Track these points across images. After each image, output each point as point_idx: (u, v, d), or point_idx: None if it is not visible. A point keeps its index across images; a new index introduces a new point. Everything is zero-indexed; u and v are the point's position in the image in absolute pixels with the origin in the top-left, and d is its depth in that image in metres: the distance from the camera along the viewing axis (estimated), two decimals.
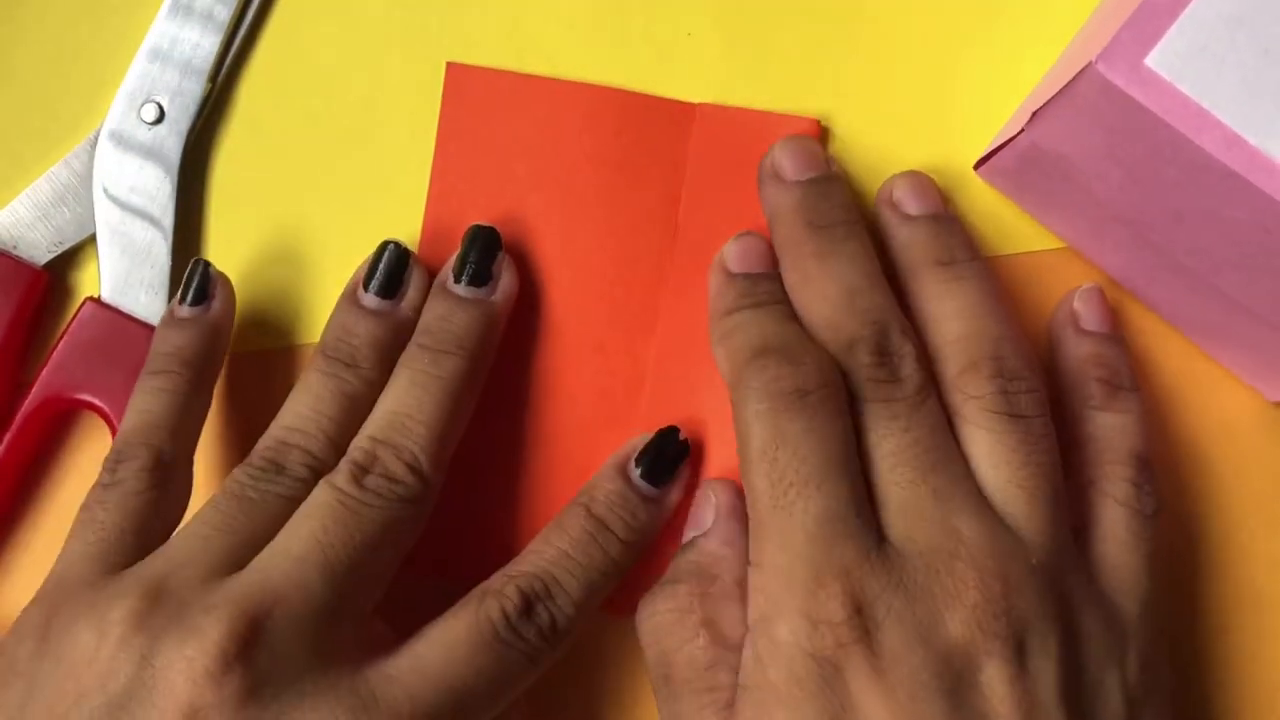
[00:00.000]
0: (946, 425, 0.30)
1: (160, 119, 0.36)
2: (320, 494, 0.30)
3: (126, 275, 0.36)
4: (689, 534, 0.33)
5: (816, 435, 0.29)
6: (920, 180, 0.34)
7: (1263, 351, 0.33)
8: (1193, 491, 0.35)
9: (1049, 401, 0.31)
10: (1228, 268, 0.30)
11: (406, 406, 0.31)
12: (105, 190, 0.36)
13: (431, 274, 0.34)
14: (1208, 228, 0.29)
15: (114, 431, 0.34)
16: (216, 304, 0.34)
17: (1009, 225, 0.35)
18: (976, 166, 0.35)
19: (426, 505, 0.31)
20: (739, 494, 0.32)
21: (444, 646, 0.29)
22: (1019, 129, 0.31)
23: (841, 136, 0.36)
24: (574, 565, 0.31)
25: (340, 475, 0.30)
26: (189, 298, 0.34)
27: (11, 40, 0.37)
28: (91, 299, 0.35)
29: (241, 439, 0.36)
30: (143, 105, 0.36)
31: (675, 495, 0.33)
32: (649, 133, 0.35)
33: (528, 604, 0.30)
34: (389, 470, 0.30)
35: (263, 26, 0.37)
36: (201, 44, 0.36)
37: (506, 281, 0.34)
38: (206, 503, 0.31)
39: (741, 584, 0.31)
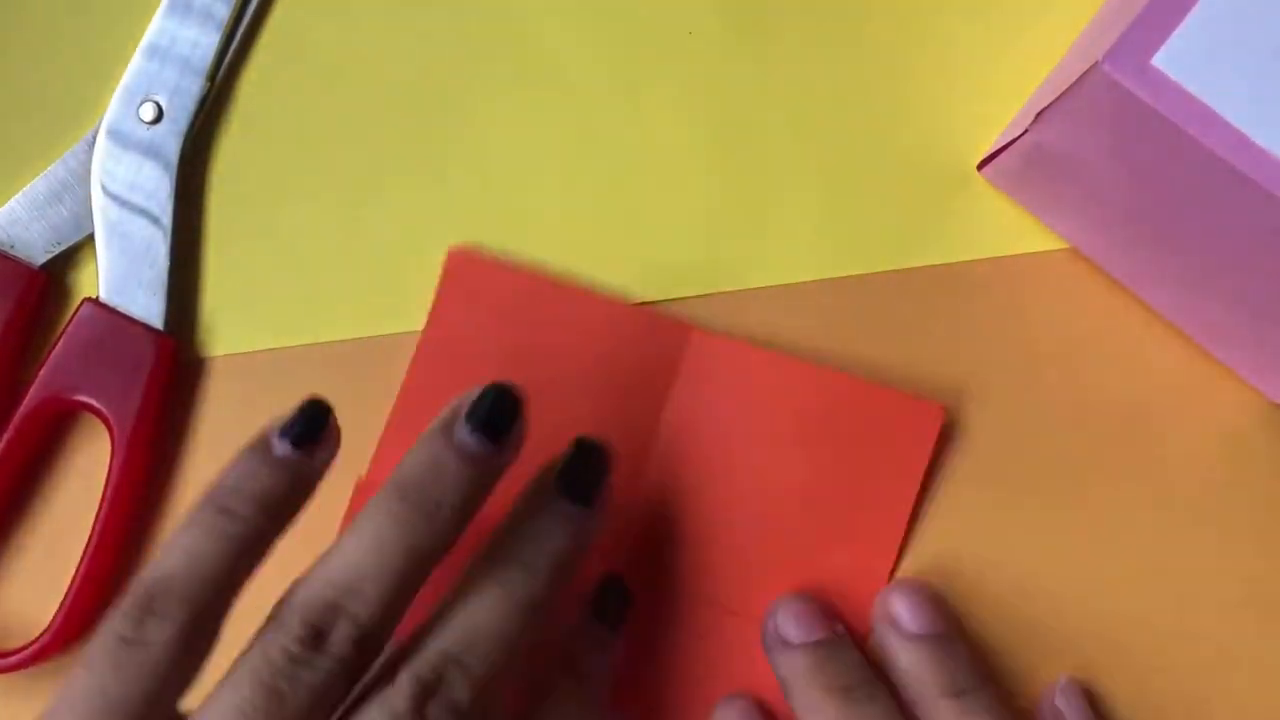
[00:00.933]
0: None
1: (159, 117, 0.36)
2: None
3: (125, 275, 0.35)
4: None
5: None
6: (917, 594, 0.33)
7: (1266, 351, 0.33)
8: (1193, 491, 0.35)
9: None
10: (1233, 268, 0.30)
11: (481, 621, 0.28)
12: (103, 189, 0.35)
13: None
14: (1213, 227, 0.29)
15: (112, 433, 0.34)
16: (322, 455, 0.29)
17: (1012, 225, 0.35)
18: (980, 166, 0.35)
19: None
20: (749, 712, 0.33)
21: None
22: (1023, 129, 0.31)
23: (843, 135, 0.36)
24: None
25: (399, 695, 0.26)
26: (295, 434, 0.29)
27: (9, 38, 0.37)
28: (89, 299, 0.35)
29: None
30: (141, 103, 0.36)
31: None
32: (642, 350, 0.34)
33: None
34: (455, 699, 0.27)
35: (262, 24, 0.37)
36: (200, 42, 0.36)
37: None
38: (226, 682, 0.26)
39: None
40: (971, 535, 0.35)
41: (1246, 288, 0.30)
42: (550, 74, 0.36)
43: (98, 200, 0.35)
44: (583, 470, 0.30)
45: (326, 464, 0.29)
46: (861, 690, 0.32)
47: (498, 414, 0.29)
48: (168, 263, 0.35)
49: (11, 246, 0.36)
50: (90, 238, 0.36)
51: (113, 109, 0.36)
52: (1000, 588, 0.34)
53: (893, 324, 0.35)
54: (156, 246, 0.35)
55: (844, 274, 0.35)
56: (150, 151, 0.36)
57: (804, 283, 0.35)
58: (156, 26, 0.36)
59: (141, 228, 0.35)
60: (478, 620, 0.28)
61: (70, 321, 0.35)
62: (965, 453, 0.35)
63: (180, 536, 0.27)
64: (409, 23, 0.36)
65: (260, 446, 0.29)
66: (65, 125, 0.36)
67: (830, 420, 0.34)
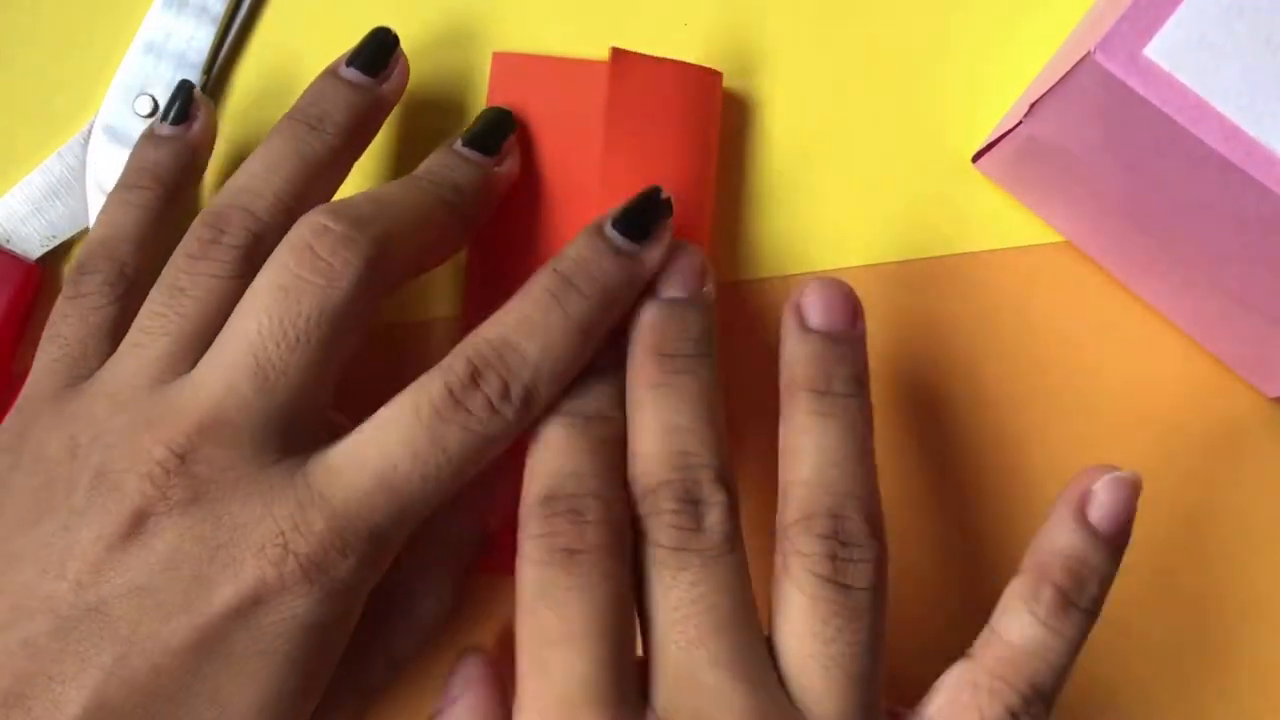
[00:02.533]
0: (747, 585, 0.28)
1: (154, 112, 0.36)
2: (262, 276, 0.29)
3: None
4: (436, 709, 0.32)
5: (584, 595, 0.27)
6: (834, 291, 0.30)
7: (1261, 345, 0.33)
8: (1193, 490, 0.35)
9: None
10: (1226, 260, 0.30)
11: (389, 199, 0.30)
12: (99, 184, 0.36)
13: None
14: (1206, 219, 0.29)
15: None
16: (197, 126, 0.34)
17: (1007, 218, 0.35)
18: (975, 159, 0.35)
19: (376, 288, 0.29)
20: (489, 665, 0.32)
21: (383, 431, 0.28)
22: (1017, 121, 0.31)
23: (842, 131, 0.36)
24: (532, 327, 0.29)
25: (284, 249, 0.29)
26: (171, 116, 0.34)
27: (5, 33, 0.37)
28: None
29: None
30: (137, 98, 0.36)
31: (654, 255, 0.30)
32: (678, 95, 0.35)
33: (474, 373, 0.28)
34: (346, 236, 0.28)
35: (257, 19, 0.37)
36: (196, 37, 0.36)
37: (511, 162, 0.34)
38: (147, 300, 0.30)
39: None
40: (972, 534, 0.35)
41: (1239, 280, 0.30)
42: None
43: (94, 195, 0.36)
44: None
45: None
46: (685, 361, 0.30)
47: (374, 52, 0.33)
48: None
49: (8, 240, 0.36)
50: (86, 232, 0.36)
51: (109, 104, 0.36)
52: (994, 585, 0.34)
53: (887, 317, 0.35)
54: None
55: (838, 266, 0.35)
56: None
57: (798, 275, 0.35)
58: (152, 22, 0.36)
59: None
60: (386, 195, 0.30)
61: None
62: (956, 444, 0.35)
63: (259, 152, 0.31)
64: (402, 15, 0.36)
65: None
66: (61, 120, 0.36)
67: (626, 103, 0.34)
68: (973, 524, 0.35)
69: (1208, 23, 0.27)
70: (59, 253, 0.36)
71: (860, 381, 0.30)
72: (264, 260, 0.29)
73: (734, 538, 0.28)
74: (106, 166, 0.36)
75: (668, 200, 0.31)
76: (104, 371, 0.30)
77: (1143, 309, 0.35)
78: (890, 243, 0.35)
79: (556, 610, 0.27)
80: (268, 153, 0.31)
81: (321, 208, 0.29)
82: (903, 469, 0.35)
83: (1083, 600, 0.28)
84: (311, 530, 0.27)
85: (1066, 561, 0.29)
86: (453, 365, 0.28)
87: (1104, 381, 0.35)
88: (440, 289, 0.36)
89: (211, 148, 0.34)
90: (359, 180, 0.36)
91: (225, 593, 0.27)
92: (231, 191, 0.31)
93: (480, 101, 0.36)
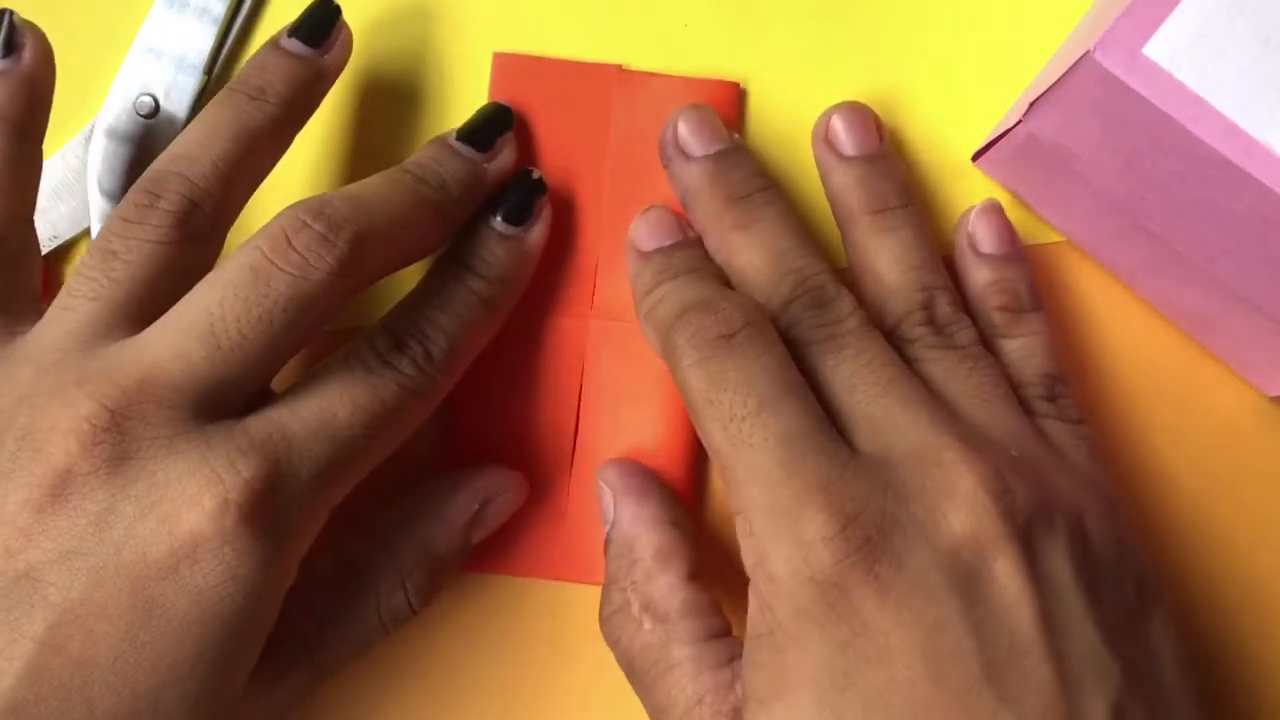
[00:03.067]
0: (895, 353, 0.30)
1: (155, 112, 0.36)
2: (233, 257, 0.29)
3: None
4: (605, 526, 0.33)
5: (755, 367, 0.28)
6: (856, 115, 0.34)
7: (1260, 344, 0.33)
8: (1193, 489, 0.35)
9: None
10: (1225, 258, 0.30)
11: (367, 197, 0.30)
12: (100, 184, 0.36)
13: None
14: (1205, 218, 0.29)
15: None
16: (28, 54, 0.32)
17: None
18: (975, 158, 0.35)
19: (348, 286, 0.29)
20: (625, 468, 0.33)
21: (320, 383, 0.29)
22: (1017, 119, 0.31)
23: None
24: (440, 303, 0.31)
25: (260, 236, 0.29)
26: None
27: None
28: None
29: None
30: (138, 99, 0.36)
31: (537, 234, 0.34)
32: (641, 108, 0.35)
33: (397, 339, 0.30)
34: (322, 235, 0.29)
35: (258, 20, 0.37)
36: (197, 38, 0.36)
37: (504, 158, 0.34)
38: (76, 264, 0.29)
39: (660, 554, 0.31)
40: None
41: (1238, 278, 0.30)
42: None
43: (94, 197, 0.36)
44: (483, 123, 0.34)
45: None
46: (760, 196, 0.33)
47: (316, 23, 0.33)
48: None
49: None
50: (87, 233, 0.36)
51: (110, 105, 0.36)
52: None
53: None
54: None
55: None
56: (146, 147, 0.36)
57: None
58: (153, 23, 0.36)
59: None
60: (365, 192, 0.30)
61: None
62: None
63: (198, 120, 0.31)
64: (401, 16, 0.36)
65: (270, 44, 0.33)
66: (63, 121, 0.36)
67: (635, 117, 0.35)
68: None
69: (1206, 22, 0.27)
70: (61, 253, 0.36)
71: (906, 188, 0.33)
72: (201, 229, 0.30)
73: (868, 320, 0.31)
74: (108, 168, 0.36)
75: (539, 180, 0.34)
76: (30, 336, 0.29)
77: (1143, 308, 0.35)
78: None
79: (736, 390, 0.28)
80: (206, 121, 0.31)
81: (300, 204, 0.29)
82: None
83: (1024, 304, 0.33)
84: (252, 473, 0.27)
85: (991, 288, 0.33)
86: (374, 332, 0.30)
87: (1103, 381, 0.35)
88: None
89: (52, 78, 0.32)
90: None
91: (161, 551, 0.26)
92: (169, 158, 0.30)
93: (481, 101, 0.36)
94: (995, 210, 0.34)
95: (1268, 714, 0.34)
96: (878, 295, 0.32)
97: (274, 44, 0.33)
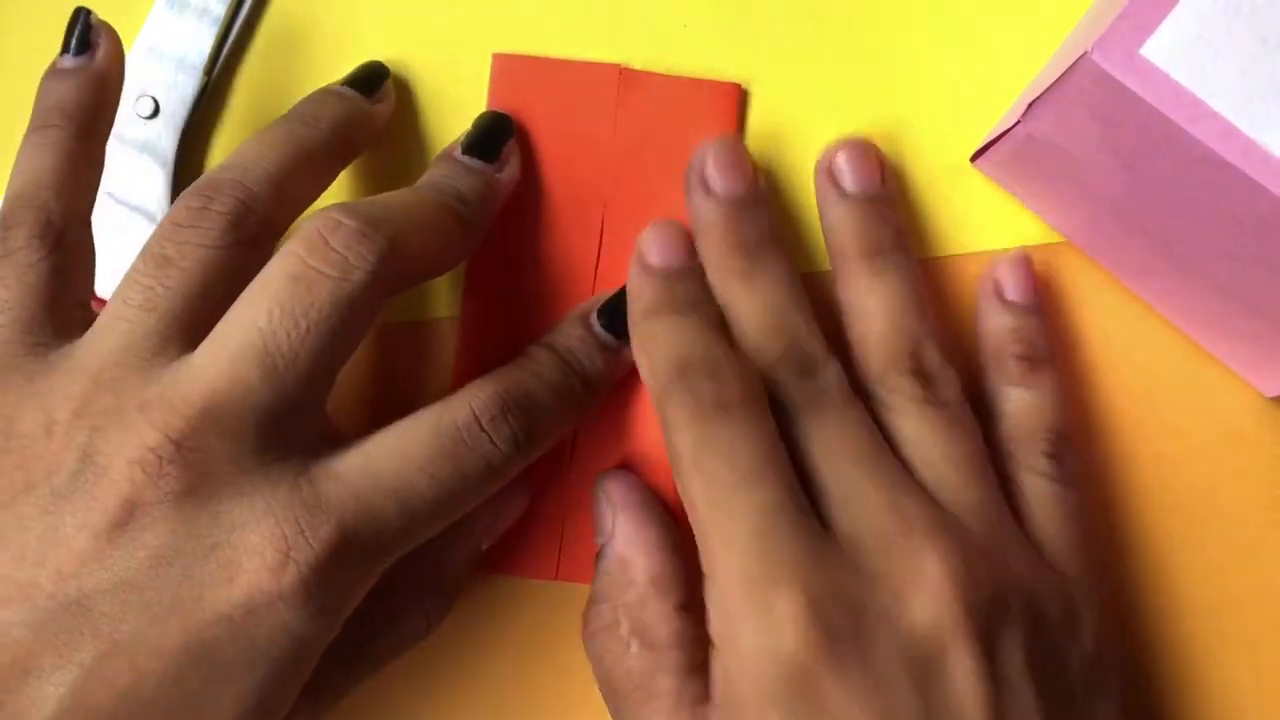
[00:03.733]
0: (874, 424, 0.31)
1: (155, 114, 0.36)
2: (272, 266, 0.28)
3: (121, 271, 0.35)
4: (598, 542, 0.33)
5: (745, 438, 0.28)
6: (860, 152, 0.34)
7: (1259, 345, 0.33)
8: (1193, 490, 0.35)
9: (977, 369, 0.33)
10: (1223, 259, 0.30)
11: (399, 202, 0.30)
12: (101, 186, 0.36)
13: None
14: (1203, 218, 0.29)
15: None
16: (101, 53, 0.32)
17: (1005, 218, 0.35)
18: (973, 158, 0.35)
19: (387, 287, 0.29)
20: (626, 483, 0.33)
21: (400, 448, 0.28)
22: (1015, 120, 0.31)
23: (840, 131, 0.36)
24: (548, 382, 0.31)
25: (296, 240, 0.28)
26: (71, 48, 0.32)
27: (5, 34, 0.37)
28: None
29: None
30: (137, 100, 0.36)
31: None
32: (689, 112, 0.35)
33: (503, 407, 0.29)
34: (360, 231, 0.28)
35: (258, 21, 0.37)
36: (197, 38, 0.36)
37: (512, 167, 0.34)
38: (129, 269, 0.29)
39: (656, 580, 0.31)
40: None
41: (1237, 279, 0.30)
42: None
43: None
44: (486, 133, 0.34)
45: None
46: (768, 251, 0.32)
47: (367, 77, 0.34)
48: None
49: None
50: None
51: None
52: None
53: None
54: None
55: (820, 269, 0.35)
56: (146, 148, 0.36)
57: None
58: (154, 23, 0.36)
59: (137, 224, 0.36)
60: (395, 198, 0.30)
61: None
62: None
63: (252, 138, 0.31)
64: (402, 16, 0.36)
65: (322, 89, 0.34)
66: None
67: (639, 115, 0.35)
68: None
69: (1204, 22, 0.27)
70: None
71: (901, 233, 0.33)
72: (253, 233, 0.29)
73: (853, 390, 0.31)
74: (107, 168, 0.36)
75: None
76: (82, 346, 0.28)
77: (1142, 309, 0.35)
78: None
79: (724, 458, 0.28)
80: (260, 138, 0.31)
81: (334, 205, 0.29)
82: None
83: (1040, 355, 0.33)
84: (318, 538, 0.26)
85: (1011, 336, 0.33)
86: (476, 394, 0.29)
87: (1103, 381, 0.35)
88: (440, 289, 0.36)
89: (121, 78, 0.32)
90: (361, 184, 0.36)
91: (218, 596, 0.26)
92: (222, 167, 0.30)
93: (481, 102, 0.36)
94: (1026, 261, 0.34)
95: (1269, 714, 0.34)
96: (864, 338, 0.32)
97: (327, 89, 0.34)
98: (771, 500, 0.28)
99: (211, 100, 0.36)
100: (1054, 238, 0.35)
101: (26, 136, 0.31)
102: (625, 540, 0.32)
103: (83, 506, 0.26)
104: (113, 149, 0.36)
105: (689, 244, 0.33)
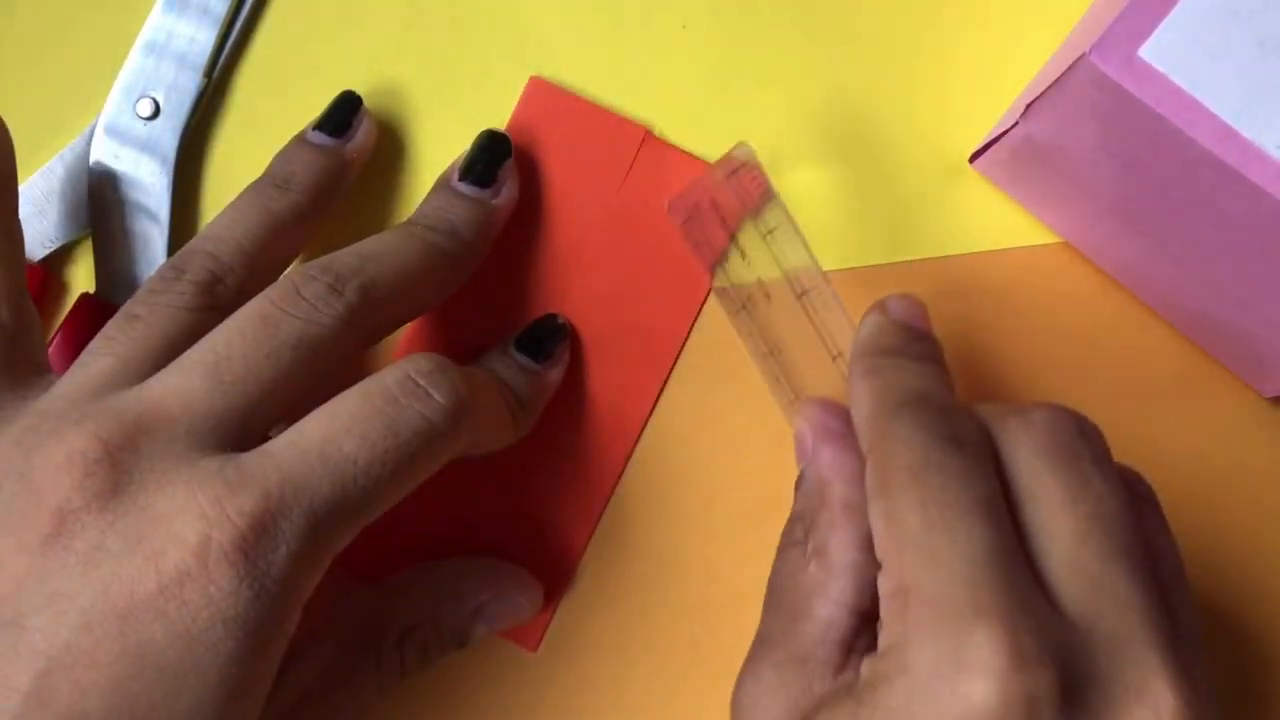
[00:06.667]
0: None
1: (156, 113, 0.36)
2: (245, 308, 0.28)
3: (122, 271, 0.36)
4: (800, 463, 0.32)
5: (976, 474, 0.26)
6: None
7: (1257, 346, 0.33)
8: (1193, 490, 0.35)
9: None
10: (1222, 259, 0.30)
11: (376, 251, 0.30)
12: (100, 185, 0.36)
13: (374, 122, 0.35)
14: (1201, 220, 0.29)
15: None
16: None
17: (1004, 219, 0.35)
18: (972, 159, 0.35)
19: (357, 337, 0.29)
20: (827, 410, 0.31)
21: (328, 413, 0.27)
22: (1014, 121, 0.31)
23: (839, 132, 0.36)
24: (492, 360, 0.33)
25: (270, 290, 0.29)
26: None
27: (6, 34, 0.37)
28: (87, 295, 0.35)
29: None
30: (138, 100, 0.36)
31: (555, 374, 0.34)
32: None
33: (440, 363, 0.28)
34: (330, 285, 0.29)
35: (259, 20, 0.37)
36: (198, 38, 0.36)
37: (510, 190, 0.34)
38: (100, 331, 0.29)
39: (848, 508, 0.29)
40: None
41: (1234, 280, 0.30)
42: (548, 73, 0.36)
43: (94, 197, 0.36)
44: (483, 157, 0.34)
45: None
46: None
47: (339, 115, 0.34)
48: (165, 258, 0.36)
49: None
50: (88, 233, 0.36)
51: (110, 105, 0.36)
52: None
53: None
54: (154, 242, 0.36)
55: (835, 268, 0.35)
56: (147, 148, 0.36)
57: None
58: (154, 22, 0.36)
59: (138, 224, 0.36)
60: (375, 246, 0.30)
61: (68, 317, 0.35)
62: None
63: (227, 209, 0.32)
64: (404, 16, 0.36)
65: (297, 138, 0.34)
66: (63, 121, 0.36)
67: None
68: None
69: (1202, 24, 0.27)
70: (61, 254, 0.36)
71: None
72: (223, 301, 0.29)
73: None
74: (108, 168, 0.36)
75: (563, 325, 0.35)
76: (44, 395, 0.28)
77: (1140, 309, 0.35)
78: (887, 243, 0.35)
79: (954, 480, 0.26)
80: (234, 209, 0.32)
81: (308, 263, 0.29)
82: None
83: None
84: (240, 512, 0.25)
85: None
86: (415, 356, 0.28)
87: (1102, 382, 0.35)
88: None
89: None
90: (368, 186, 0.36)
91: (148, 591, 0.24)
92: (196, 240, 0.31)
93: (481, 105, 0.36)
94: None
95: (1270, 713, 0.34)
96: None
97: (299, 138, 0.34)
98: (998, 541, 0.25)
99: (212, 100, 0.37)
100: (1052, 238, 0.35)
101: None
102: (826, 463, 0.30)
103: (17, 525, 0.25)
104: (114, 148, 0.36)
105: (930, 324, 0.31)
